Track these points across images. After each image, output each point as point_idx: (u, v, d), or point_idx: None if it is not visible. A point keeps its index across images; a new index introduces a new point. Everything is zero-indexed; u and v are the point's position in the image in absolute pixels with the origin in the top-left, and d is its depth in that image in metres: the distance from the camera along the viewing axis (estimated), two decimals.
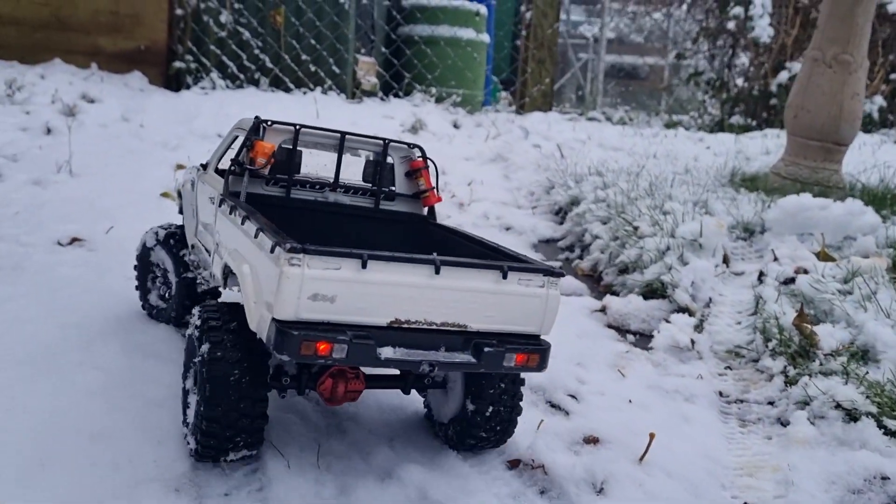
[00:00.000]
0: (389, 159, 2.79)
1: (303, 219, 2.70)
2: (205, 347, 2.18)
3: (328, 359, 1.93)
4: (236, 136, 2.84)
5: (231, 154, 2.78)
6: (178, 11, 9.08)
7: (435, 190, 2.81)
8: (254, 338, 2.14)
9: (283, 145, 2.67)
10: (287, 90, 9.31)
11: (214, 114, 7.75)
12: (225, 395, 2.13)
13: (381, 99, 9.65)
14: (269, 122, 2.62)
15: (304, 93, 9.27)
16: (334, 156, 2.75)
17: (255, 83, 9.35)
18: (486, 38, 11.57)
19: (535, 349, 2.09)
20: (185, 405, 2.37)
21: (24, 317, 3.30)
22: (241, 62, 9.29)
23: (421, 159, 2.80)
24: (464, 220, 5.45)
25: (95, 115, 7.48)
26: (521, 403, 2.52)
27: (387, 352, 2.00)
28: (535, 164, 6.53)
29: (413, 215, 2.84)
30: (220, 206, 2.60)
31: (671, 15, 14.91)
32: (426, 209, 2.86)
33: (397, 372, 2.41)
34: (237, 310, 2.25)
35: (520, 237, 5.15)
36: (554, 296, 2.13)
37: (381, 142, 2.72)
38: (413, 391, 2.58)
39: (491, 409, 2.43)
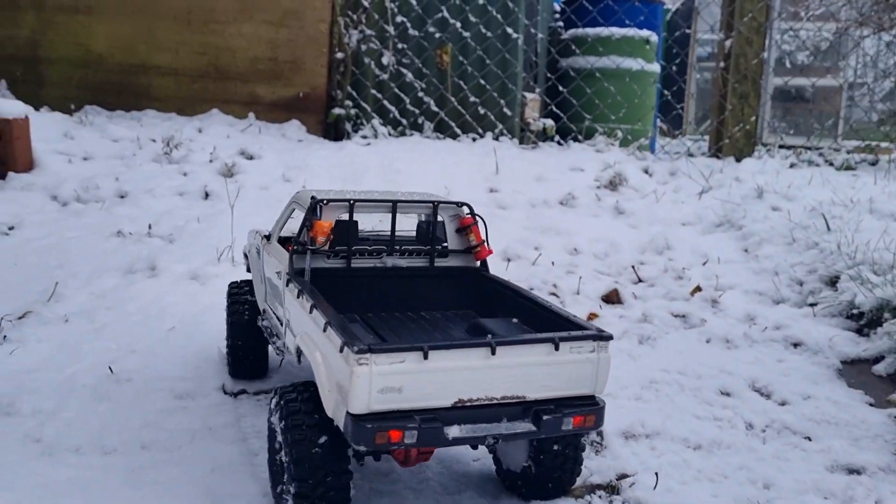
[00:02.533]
0: (440, 217, 2.82)
1: (364, 285, 2.78)
2: (287, 431, 2.18)
3: (401, 445, 1.97)
4: (293, 209, 2.88)
5: (290, 224, 2.86)
6: (339, 55, 8.02)
7: (486, 244, 2.84)
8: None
9: (340, 219, 2.70)
10: (454, 136, 8.08)
11: (383, 170, 6.59)
12: (310, 473, 2.14)
13: (559, 143, 8.27)
14: (325, 201, 2.64)
15: (474, 139, 8.01)
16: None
17: (419, 129, 8.17)
18: (655, 68, 10.03)
19: (590, 410, 2.13)
20: (274, 480, 2.36)
21: None
22: (403, 106, 8.14)
23: (470, 216, 2.82)
24: (724, 326, 3.98)
25: (255, 175, 6.46)
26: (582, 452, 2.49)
27: (454, 431, 2.04)
28: (786, 236, 4.97)
29: (467, 269, 2.88)
30: (287, 284, 2.62)
31: (846, 30, 12.75)
32: (479, 262, 2.89)
33: None
34: (313, 390, 2.24)
35: (814, 357, 3.65)
36: (605, 358, 2.16)
37: (431, 204, 2.74)
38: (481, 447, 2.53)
39: (555, 460, 2.44)
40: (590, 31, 9.47)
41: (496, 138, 7.99)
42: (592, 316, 4.05)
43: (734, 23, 7.68)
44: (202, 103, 8.16)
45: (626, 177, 6.37)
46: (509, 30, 8.08)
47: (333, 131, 8.15)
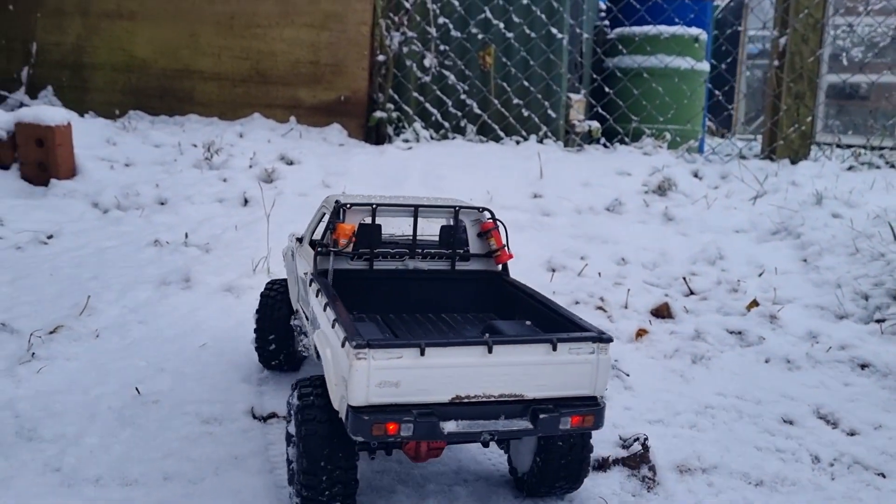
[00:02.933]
0: (462, 222, 2.85)
1: (386, 287, 2.80)
2: (300, 423, 2.22)
3: (397, 437, 2.03)
4: (324, 213, 2.90)
5: (322, 227, 2.91)
6: (380, 57, 7.85)
7: (506, 248, 2.83)
8: None
9: (363, 222, 2.75)
10: (497, 139, 7.86)
11: (424, 175, 6.41)
12: (319, 466, 2.19)
13: (605, 146, 7.99)
14: (348, 205, 2.69)
15: (517, 142, 7.78)
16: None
17: (461, 132, 7.97)
18: (705, 66, 9.67)
19: (589, 410, 2.13)
20: (289, 470, 2.36)
21: None
22: (445, 109, 7.95)
23: (490, 221, 2.81)
24: (785, 345, 3.70)
25: (294, 181, 6.33)
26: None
27: (450, 426, 2.06)
28: (848, 246, 4.64)
29: (488, 272, 2.89)
30: (309, 284, 2.69)
31: None
32: (500, 266, 2.89)
33: None
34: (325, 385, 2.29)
35: (884, 381, 3.35)
36: (604, 359, 2.16)
37: (453, 209, 2.78)
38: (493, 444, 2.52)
39: (562, 459, 2.41)
40: (637, 29, 9.16)
41: (540, 141, 7.75)
42: (642, 332, 3.81)
43: (789, 19, 7.31)
44: (244, 107, 8.09)
45: (675, 181, 6.08)
46: (553, 30, 7.82)
47: (375, 135, 8.00)
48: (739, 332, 3.81)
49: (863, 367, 3.45)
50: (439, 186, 6.14)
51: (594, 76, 8.75)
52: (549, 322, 2.46)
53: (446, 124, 7.98)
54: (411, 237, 2.82)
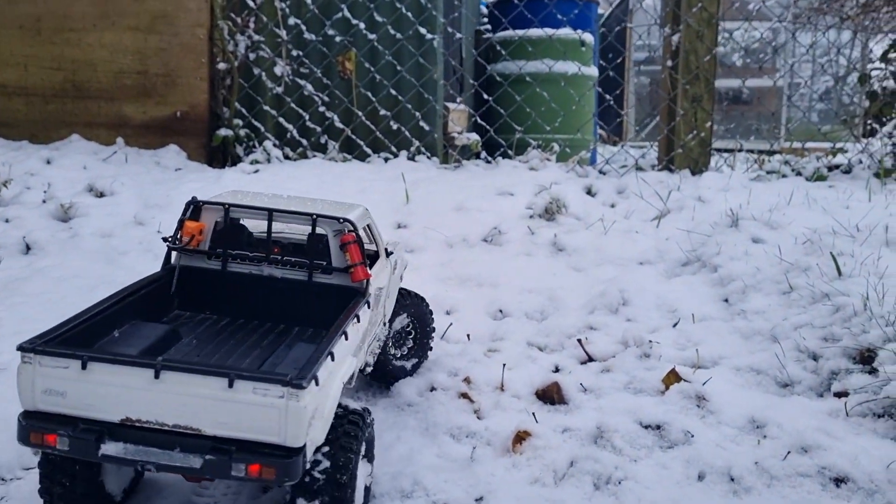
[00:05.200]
0: (323, 231, 2.51)
1: (239, 291, 2.58)
2: None
3: (56, 450, 1.88)
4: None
5: None
6: (221, 65, 6.41)
7: (365, 265, 2.44)
8: None
9: (219, 221, 2.56)
10: (363, 157, 6.54)
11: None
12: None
13: (487, 161, 6.77)
14: (201, 203, 2.54)
15: (386, 160, 6.48)
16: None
17: (323, 149, 6.61)
18: (593, 71, 8.65)
19: (272, 462, 1.78)
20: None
21: None
22: (303, 123, 6.57)
23: (351, 234, 2.46)
24: (722, 446, 2.49)
25: (98, 218, 4.83)
26: None
27: (109, 448, 1.85)
28: (779, 282, 3.54)
29: (348, 289, 2.48)
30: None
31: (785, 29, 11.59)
32: (365, 283, 2.48)
33: None
34: None
35: (870, 501, 2.22)
36: (296, 407, 1.78)
37: (310, 216, 2.48)
38: None
39: None
40: (520, 32, 8.05)
41: (412, 157, 6.46)
42: (522, 436, 2.54)
43: (681, 14, 6.29)
44: (60, 128, 6.48)
45: (566, 202, 4.89)
46: (423, 30, 6.56)
47: (222, 156, 6.55)
48: (658, 427, 2.60)
49: (838, 482, 2.28)
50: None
51: (473, 83, 7.54)
52: None
53: (304, 141, 6.61)
54: (284, 240, 2.68)
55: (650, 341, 3.16)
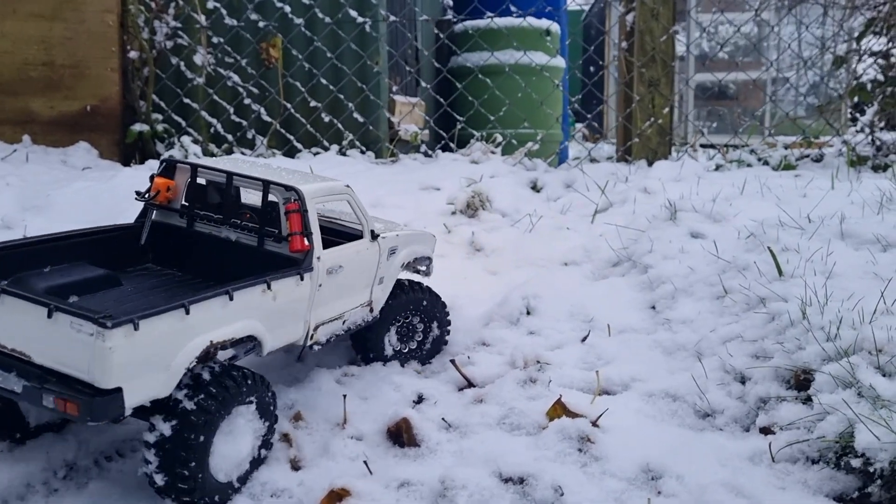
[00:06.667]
0: (275, 199, 2.42)
1: (203, 250, 2.58)
2: None
3: None
4: None
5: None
6: (132, 54, 5.79)
7: (304, 235, 2.29)
8: None
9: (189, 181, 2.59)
10: (292, 152, 5.91)
11: None
12: None
13: (426, 155, 6.13)
14: (173, 162, 2.57)
15: (315, 154, 5.84)
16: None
17: (250, 145, 5.98)
18: (560, 62, 7.97)
19: (73, 397, 1.74)
20: None
21: None
22: (227, 117, 5.95)
23: (295, 203, 2.32)
24: None
25: None
26: None
27: None
28: (713, 284, 2.89)
29: (291, 259, 2.35)
30: None
31: (773, 24, 10.87)
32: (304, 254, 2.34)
33: None
34: None
35: None
36: (101, 347, 1.74)
37: (261, 182, 2.43)
38: None
39: None
40: (481, 23, 7.42)
41: (342, 152, 5.83)
42: (341, 494, 1.88)
43: None
44: None
45: (491, 197, 4.24)
46: (353, 12, 5.93)
47: (137, 154, 5.92)
48: (521, 481, 1.93)
49: None
50: None
51: (424, 82, 6.89)
52: None
53: (229, 136, 5.98)
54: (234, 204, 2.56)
55: (538, 362, 2.50)
